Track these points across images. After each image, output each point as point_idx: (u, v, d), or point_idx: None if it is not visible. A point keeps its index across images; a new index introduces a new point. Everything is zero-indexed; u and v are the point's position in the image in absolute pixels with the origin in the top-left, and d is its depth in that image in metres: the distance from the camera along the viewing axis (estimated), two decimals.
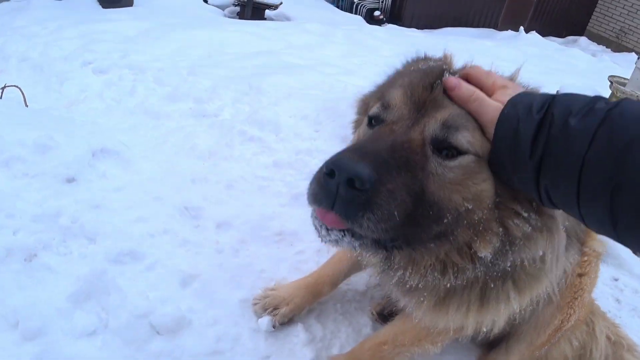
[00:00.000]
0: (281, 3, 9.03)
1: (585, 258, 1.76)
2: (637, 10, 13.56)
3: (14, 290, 2.10)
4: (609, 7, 14.33)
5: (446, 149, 1.08)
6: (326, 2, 11.63)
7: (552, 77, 7.60)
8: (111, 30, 6.72)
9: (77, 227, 2.49)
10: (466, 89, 1.10)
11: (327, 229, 1.04)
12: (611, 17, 14.18)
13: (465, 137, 1.07)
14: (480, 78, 1.15)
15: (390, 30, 9.73)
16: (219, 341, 2.16)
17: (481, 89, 1.13)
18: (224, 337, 2.19)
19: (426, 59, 1.34)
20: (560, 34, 13.81)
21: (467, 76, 1.18)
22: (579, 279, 1.76)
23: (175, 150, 3.51)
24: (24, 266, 2.23)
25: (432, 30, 11.03)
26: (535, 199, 1.05)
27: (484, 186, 1.08)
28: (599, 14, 14.54)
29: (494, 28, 12.23)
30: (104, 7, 8.01)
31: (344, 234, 1.02)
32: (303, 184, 3.24)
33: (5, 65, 5.24)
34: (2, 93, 4.02)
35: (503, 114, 1.03)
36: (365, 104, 1.44)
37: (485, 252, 1.12)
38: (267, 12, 9.04)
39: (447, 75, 1.18)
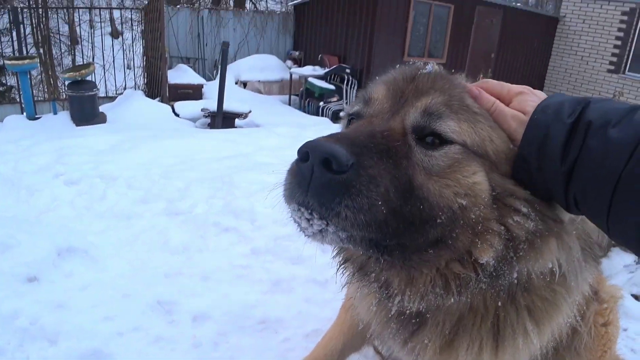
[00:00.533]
0: (250, 111, 9.34)
1: (605, 305, 1.61)
2: (581, 84, 15.05)
3: None
4: (555, 85, 15.90)
5: (430, 136, 1.01)
6: (293, 109, 12.16)
7: None
8: (83, 145, 6.75)
9: (36, 328, 2.25)
10: (487, 100, 1.08)
11: (308, 219, 0.91)
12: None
13: (450, 126, 1.01)
14: (493, 89, 1.13)
15: None
16: None
17: (497, 98, 1.10)
18: None
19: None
20: None
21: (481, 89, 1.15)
22: (604, 329, 1.60)
23: (147, 248, 3.35)
24: None
25: None
26: (561, 204, 0.98)
27: (476, 179, 0.99)
28: (548, 92, 15.80)
29: None
30: (77, 125, 8.13)
31: (328, 223, 0.90)
32: (285, 269, 3.10)
33: None
34: None
35: (532, 119, 0.99)
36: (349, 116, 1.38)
37: (486, 256, 0.99)
38: (237, 120, 9.30)
39: (431, 65, 1.14)
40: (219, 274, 2.97)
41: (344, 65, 12.51)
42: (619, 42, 14.13)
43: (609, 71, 14.45)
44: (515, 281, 1.06)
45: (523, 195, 1.01)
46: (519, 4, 18.78)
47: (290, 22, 15.08)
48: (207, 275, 2.95)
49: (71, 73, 8.73)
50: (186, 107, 9.61)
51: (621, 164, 0.84)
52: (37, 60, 9.49)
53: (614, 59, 14.29)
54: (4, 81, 12.88)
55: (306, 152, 0.87)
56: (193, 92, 10.69)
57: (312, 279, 2.96)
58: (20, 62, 8.63)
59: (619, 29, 14.05)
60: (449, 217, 0.97)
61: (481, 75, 1.39)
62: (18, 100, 11.58)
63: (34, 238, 2.96)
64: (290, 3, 16.21)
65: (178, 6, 13.71)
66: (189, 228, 3.61)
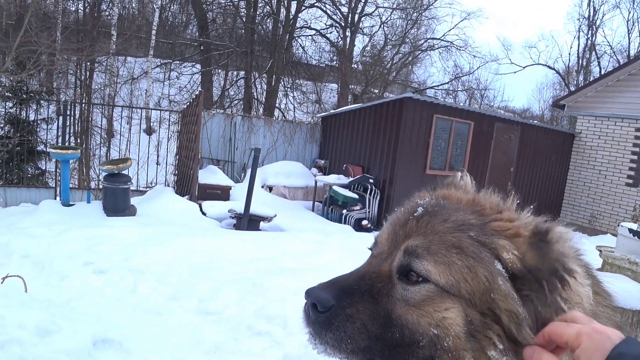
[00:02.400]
0: (275, 215, 9.56)
1: None
2: (601, 197, 15.21)
3: None
4: (575, 198, 16.04)
5: (411, 272, 1.17)
6: (316, 215, 12.38)
7: None
8: (114, 236, 6.94)
9: None
10: None
11: (314, 343, 1.14)
12: (579, 206, 15.88)
13: (424, 265, 1.15)
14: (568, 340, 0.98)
15: None
16: None
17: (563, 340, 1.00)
18: None
19: (430, 190, 1.44)
20: None
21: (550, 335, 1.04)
22: None
23: (181, 345, 3.35)
24: None
25: None
26: None
27: (447, 314, 1.14)
28: (568, 205, 16.29)
29: None
30: (108, 215, 8.38)
31: (325, 348, 1.14)
32: None
33: (7, 260, 5.26)
34: (2, 281, 3.95)
35: None
36: None
37: None
38: (262, 224, 9.50)
39: (420, 210, 1.29)
40: None
41: (367, 175, 12.92)
42: (635, 157, 14.56)
43: (627, 184, 14.73)
44: None
45: (498, 332, 1.13)
46: (535, 122, 19.61)
47: (317, 132, 15.86)
48: None
49: (109, 166, 9.16)
50: (214, 206, 9.89)
51: None
52: (79, 151, 10.02)
53: (632, 173, 14.65)
54: (40, 165, 13.50)
55: (306, 297, 1.14)
56: (221, 193, 11.04)
57: None
58: (64, 151, 9.11)
59: (634, 144, 14.56)
60: (429, 341, 1.14)
61: (510, 193, 1.37)
62: (50, 184, 12.13)
63: (73, 324, 3.00)
64: (318, 115, 17.17)
65: (213, 112, 14.58)
66: (221, 329, 3.62)
